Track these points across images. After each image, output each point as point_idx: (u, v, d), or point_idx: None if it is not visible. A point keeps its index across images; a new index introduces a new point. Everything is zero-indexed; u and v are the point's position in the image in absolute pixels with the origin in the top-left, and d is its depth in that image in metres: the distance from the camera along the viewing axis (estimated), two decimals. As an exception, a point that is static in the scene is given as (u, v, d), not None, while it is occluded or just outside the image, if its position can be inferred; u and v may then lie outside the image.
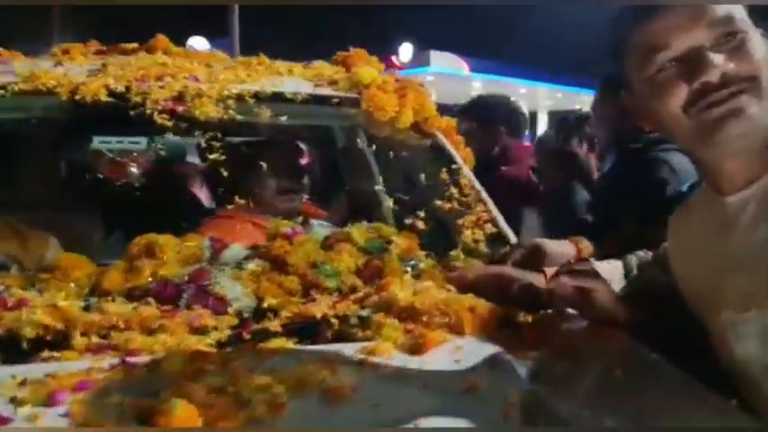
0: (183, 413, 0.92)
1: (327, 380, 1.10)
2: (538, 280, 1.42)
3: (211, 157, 1.84)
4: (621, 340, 1.38)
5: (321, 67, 2.42)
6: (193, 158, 2.42)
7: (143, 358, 1.17)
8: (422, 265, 1.69)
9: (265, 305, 1.46)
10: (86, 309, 1.36)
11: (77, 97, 1.92)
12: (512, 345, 1.32)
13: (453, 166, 2.04)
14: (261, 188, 2.18)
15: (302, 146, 2.21)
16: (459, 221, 1.85)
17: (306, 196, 2.32)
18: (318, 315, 1.42)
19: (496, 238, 1.83)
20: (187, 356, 1.15)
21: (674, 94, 1.12)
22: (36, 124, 1.93)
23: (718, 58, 1.08)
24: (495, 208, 1.95)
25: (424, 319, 1.38)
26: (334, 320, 1.40)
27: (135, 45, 2.39)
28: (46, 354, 1.24)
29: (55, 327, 1.29)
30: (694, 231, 1.29)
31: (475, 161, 2.31)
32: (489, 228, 1.85)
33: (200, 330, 1.35)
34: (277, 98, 2.12)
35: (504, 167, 3.40)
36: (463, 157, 2.22)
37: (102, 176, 1.83)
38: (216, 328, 1.36)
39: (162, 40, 2.44)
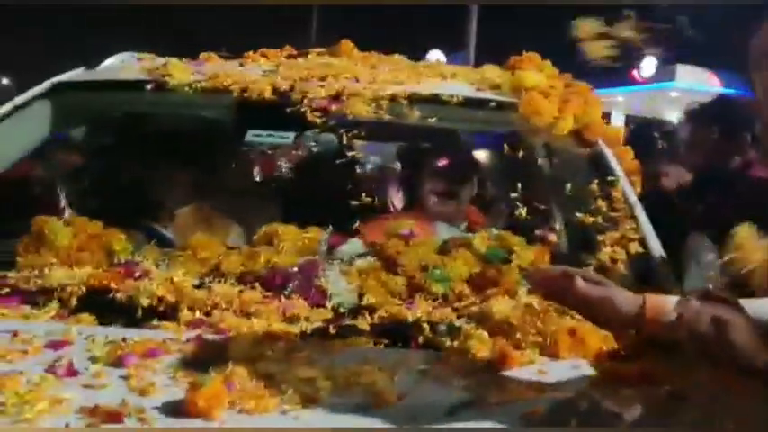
0: (209, 390, 0.94)
1: (378, 383, 1.07)
2: (624, 296, 1.24)
3: (350, 154, 1.87)
4: (754, 394, 1.15)
5: (489, 70, 2.36)
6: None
7: (217, 336, 1.23)
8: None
9: (364, 303, 1.45)
10: (200, 287, 1.46)
11: (246, 95, 2.08)
12: (608, 378, 1.17)
13: (609, 178, 1.86)
14: (419, 192, 2.18)
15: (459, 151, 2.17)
16: (601, 238, 1.68)
17: (467, 202, 2.27)
18: (410, 319, 1.38)
19: (642, 260, 1.63)
20: (252, 340, 1.18)
21: None
22: (215, 119, 2.12)
23: None
24: (650, 226, 1.74)
25: (518, 335, 1.28)
26: (425, 326, 1.35)
27: (321, 50, 2.53)
28: (155, 322, 1.35)
29: (167, 299, 1.40)
30: None
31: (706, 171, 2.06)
32: (635, 247, 1.65)
33: (292, 319, 1.38)
34: (433, 100, 2.10)
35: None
36: (629, 170, 2.02)
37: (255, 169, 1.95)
38: (307, 319, 1.38)
39: (346, 44, 2.55)
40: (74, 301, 1.41)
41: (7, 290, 1.43)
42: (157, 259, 1.58)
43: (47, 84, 2.23)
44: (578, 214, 1.75)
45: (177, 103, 2.20)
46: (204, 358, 1.11)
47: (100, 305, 1.39)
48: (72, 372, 1.05)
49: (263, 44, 2.48)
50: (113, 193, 2.43)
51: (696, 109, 2.81)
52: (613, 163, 1.94)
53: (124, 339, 1.17)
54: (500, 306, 1.34)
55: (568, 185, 1.85)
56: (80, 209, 2.35)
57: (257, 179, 1.93)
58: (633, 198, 1.84)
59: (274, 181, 1.96)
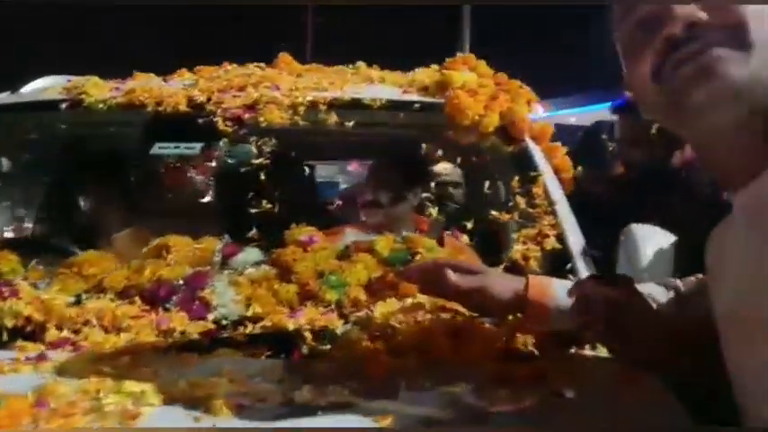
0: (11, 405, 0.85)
1: (215, 395, 0.97)
2: (501, 282, 1.15)
3: (256, 162, 1.79)
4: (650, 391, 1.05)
5: (420, 73, 2.29)
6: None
7: (61, 354, 1.13)
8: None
9: (249, 313, 1.36)
10: (76, 304, 1.37)
11: (161, 108, 2.01)
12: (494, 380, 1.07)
13: (531, 174, 1.77)
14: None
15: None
16: (515, 235, 1.58)
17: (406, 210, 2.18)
18: (291, 327, 1.28)
19: (559, 256, 1.53)
20: (87, 357, 1.08)
21: (641, 61, 0.83)
22: (129, 136, 2.05)
23: (684, 9, 0.78)
24: (573, 222, 1.64)
25: (399, 339, 1.18)
26: (308, 335, 1.25)
27: (258, 64, 2.46)
28: (19, 343, 1.26)
29: (35, 318, 1.31)
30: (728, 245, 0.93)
31: None
32: (551, 243, 1.55)
33: (167, 333, 1.29)
34: (354, 105, 2.03)
35: None
36: (559, 166, 1.92)
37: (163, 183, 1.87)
38: (183, 333, 1.29)
39: (285, 57, 2.48)
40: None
41: None
42: (40, 278, 1.50)
43: (-33, 108, 2.17)
44: (493, 212, 1.66)
45: (94, 123, 2.13)
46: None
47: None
48: None
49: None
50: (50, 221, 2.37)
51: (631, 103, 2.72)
52: (538, 159, 1.85)
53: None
54: (382, 309, 1.24)
55: (486, 183, 1.76)
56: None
57: (167, 193, 1.84)
58: (557, 194, 1.74)
59: (188, 194, 1.88)
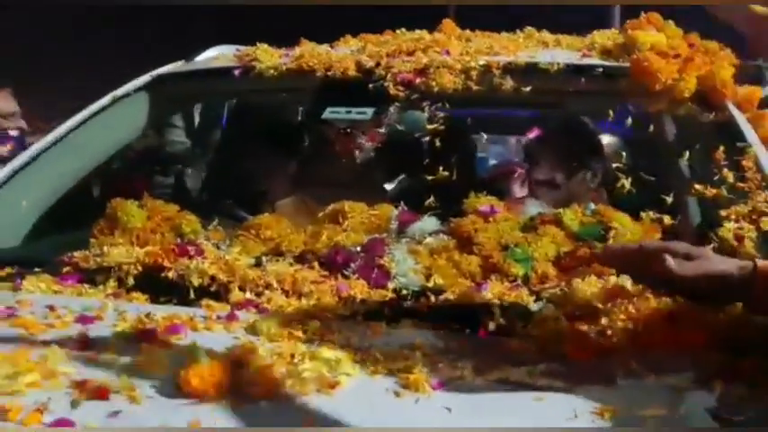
0: (203, 369, 0.83)
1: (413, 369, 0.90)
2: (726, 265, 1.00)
3: (430, 126, 1.71)
4: None
5: (601, 35, 2.11)
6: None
7: (251, 315, 1.11)
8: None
9: (430, 285, 1.29)
10: (257, 266, 1.36)
11: (330, 74, 1.98)
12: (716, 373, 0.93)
13: (738, 144, 1.57)
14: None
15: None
16: (725, 212, 1.39)
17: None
18: (477, 301, 1.20)
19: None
20: (280, 320, 1.05)
21: None
22: (299, 102, 2.04)
23: None
24: (792, 199, 1.43)
25: (603, 321, 1.06)
26: (496, 310, 1.16)
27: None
28: (205, 302, 1.27)
29: (219, 278, 1.32)
30: None
31: None
32: (769, 223, 1.35)
33: (347, 300, 1.24)
34: (531, 70, 1.90)
35: None
36: (766, 137, 1.69)
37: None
38: (363, 301, 1.24)
39: (449, 24, 2.38)
40: (130, 280, 1.36)
41: (68, 269, 1.40)
42: (221, 239, 1.51)
43: (146, 76, 2.26)
44: (697, 186, 1.48)
45: (266, 89, 2.14)
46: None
47: (153, 284, 1.33)
48: (84, 345, 0.97)
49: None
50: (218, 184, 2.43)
51: None
52: (745, 128, 1.63)
53: (148, 315, 1.09)
54: (583, 287, 1.12)
55: (686, 155, 1.57)
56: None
57: (337, 159, 1.81)
58: (770, 169, 1.52)
59: (357, 161, 1.83)
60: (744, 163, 1.51)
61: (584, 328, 1.03)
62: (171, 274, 1.33)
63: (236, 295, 1.27)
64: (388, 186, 1.75)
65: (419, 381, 0.86)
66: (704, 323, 1.02)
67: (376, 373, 0.90)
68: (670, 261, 1.01)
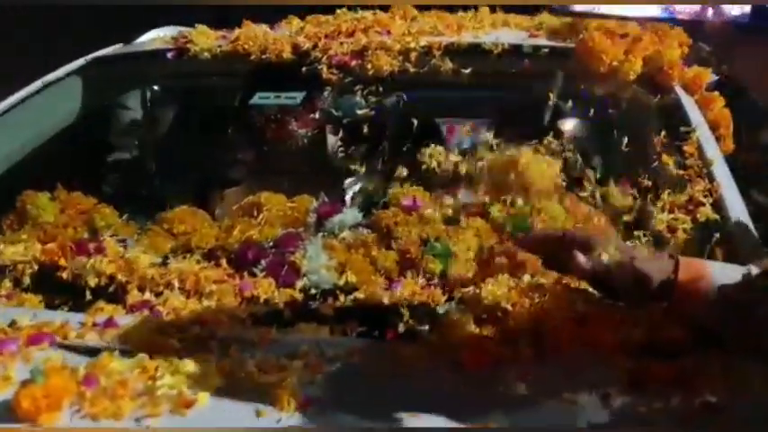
0: (37, 389, 0.74)
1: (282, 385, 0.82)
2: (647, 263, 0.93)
3: (360, 112, 1.62)
4: None
5: (551, 15, 2.01)
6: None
7: (129, 321, 1.02)
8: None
9: (341, 282, 1.20)
10: (162, 264, 1.28)
11: (265, 57, 1.88)
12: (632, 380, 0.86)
13: (682, 129, 1.48)
14: None
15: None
16: (660, 203, 1.31)
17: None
18: (386, 302, 1.11)
19: (716, 229, 1.25)
20: (157, 326, 0.96)
21: None
22: (231, 86, 1.94)
23: None
24: (733, 188, 1.35)
25: (511, 324, 0.98)
26: (405, 311, 1.08)
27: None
28: (100, 305, 1.18)
29: (118, 278, 1.23)
30: None
31: None
32: (706, 213, 1.27)
33: (252, 301, 1.16)
34: (473, 50, 1.81)
35: None
36: (715, 121, 1.61)
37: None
38: (267, 302, 1.15)
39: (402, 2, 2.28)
40: (26, 280, 1.27)
41: (-40, 268, 1.31)
42: (131, 235, 1.42)
43: (80, 60, 2.16)
44: (634, 175, 1.40)
45: (199, 72, 2.04)
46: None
47: (49, 285, 1.24)
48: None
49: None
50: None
51: None
52: (690, 111, 1.55)
53: (12, 324, 1.00)
54: (493, 287, 1.04)
55: (624, 140, 1.49)
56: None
57: (268, 147, 1.71)
58: (713, 153, 1.45)
59: (289, 148, 1.74)
60: (685, 148, 1.43)
61: (486, 332, 0.95)
62: (66, 275, 1.24)
63: (132, 296, 1.19)
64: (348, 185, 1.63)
65: (284, 398, 0.78)
66: (615, 325, 0.94)
67: (240, 389, 0.81)
68: (580, 257, 0.94)
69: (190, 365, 0.83)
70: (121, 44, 2.26)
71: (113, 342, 0.94)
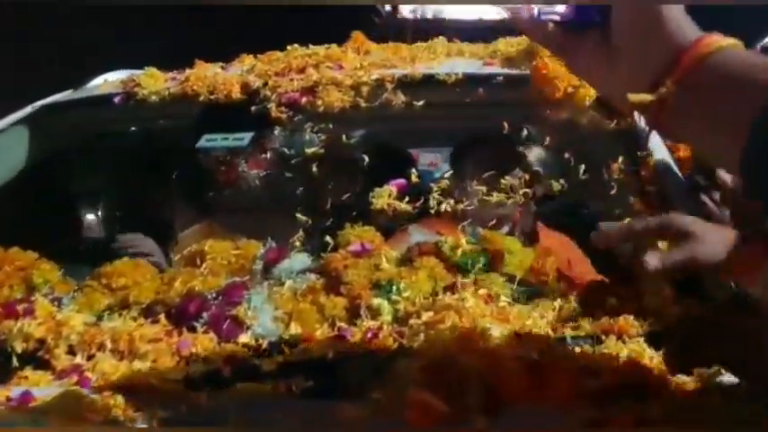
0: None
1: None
2: None
3: (309, 151, 1.56)
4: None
5: (505, 42, 1.98)
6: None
7: (50, 392, 0.94)
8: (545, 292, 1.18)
9: (286, 335, 1.13)
10: (97, 323, 1.20)
11: (212, 96, 1.83)
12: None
13: (640, 153, 1.44)
14: None
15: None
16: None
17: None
18: (330, 354, 1.04)
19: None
20: (83, 397, 0.88)
21: None
22: (179, 129, 1.89)
23: None
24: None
25: (460, 375, 0.91)
26: (349, 363, 1.01)
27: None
28: (25, 372, 1.09)
29: (48, 342, 1.14)
30: None
31: None
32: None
33: (189, 360, 1.08)
34: (426, 82, 1.77)
35: None
36: (673, 146, 1.57)
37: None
38: (206, 360, 1.07)
39: (358, 36, 2.24)
40: (-51, 348, 1.18)
41: None
42: (67, 292, 1.34)
43: (27, 108, 2.09)
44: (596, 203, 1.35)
45: (148, 117, 1.98)
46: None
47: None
48: None
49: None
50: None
51: None
52: (649, 135, 1.51)
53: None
54: (442, 333, 0.97)
55: (581, 168, 1.44)
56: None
57: (219, 190, 1.65)
58: (675, 179, 1.40)
59: (241, 191, 1.68)
60: (643, 174, 1.39)
61: (435, 384, 0.88)
62: (-9, 341, 1.15)
63: (62, 361, 1.10)
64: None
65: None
66: (571, 373, 0.87)
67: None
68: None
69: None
70: (71, 90, 2.20)
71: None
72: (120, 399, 0.88)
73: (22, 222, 1.98)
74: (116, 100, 1.95)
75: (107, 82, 2.15)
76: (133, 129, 2.06)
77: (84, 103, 2.04)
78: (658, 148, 1.48)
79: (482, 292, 1.10)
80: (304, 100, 1.72)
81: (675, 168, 1.45)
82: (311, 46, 2.01)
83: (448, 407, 0.84)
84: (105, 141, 2.11)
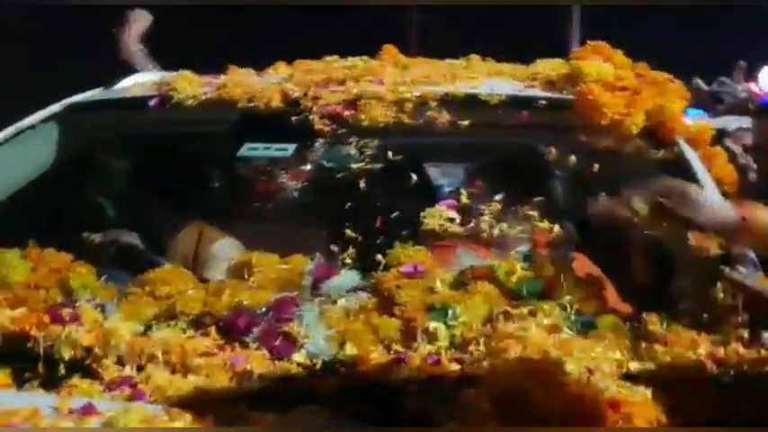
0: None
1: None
2: None
3: (355, 166, 1.54)
4: None
5: (544, 64, 1.97)
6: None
7: (112, 405, 0.92)
8: (598, 324, 1.16)
9: (341, 355, 1.11)
10: (145, 332, 1.17)
11: (253, 104, 1.81)
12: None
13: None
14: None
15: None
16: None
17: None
18: (393, 378, 1.02)
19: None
20: (147, 414, 0.86)
21: None
22: (217, 135, 1.86)
23: None
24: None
25: (532, 405, 0.89)
26: (412, 389, 0.99)
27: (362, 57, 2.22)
28: (74, 381, 1.07)
29: (95, 351, 1.12)
30: None
31: None
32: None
33: (242, 376, 1.06)
34: (470, 101, 1.75)
35: None
36: (720, 176, 1.57)
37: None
38: (261, 377, 1.05)
39: (390, 50, 2.22)
40: (-8, 352, 1.16)
41: None
42: (109, 298, 1.31)
43: (56, 106, 2.06)
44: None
45: (183, 121, 1.96)
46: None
47: (18, 358, 1.13)
48: None
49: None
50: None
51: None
52: (695, 166, 1.51)
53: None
54: (509, 364, 0.96)
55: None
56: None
57: (256, 201, 1.63)
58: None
59: (279, 203, 1.65)
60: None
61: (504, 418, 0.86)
62: (37, 346, 1.12)
63: (110, 372, 1.08)
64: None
65: None
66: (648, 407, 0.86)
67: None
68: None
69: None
70: (101, 89, 2.17)
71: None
72: (188, 417, 0.86)
73: (51, 221, 1.95)
74: (151, 103, 1.92)
75: (137, 84, 2.12)
76: (166, 132, 2.02)
77: (116, 103, 2.01)
78: (705, 178, 1.47)
79: (547, 321, 1.08)
80: (347, 113, 1.70)
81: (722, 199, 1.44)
82: (349, 58, 1.99)
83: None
84: (137, 143, 2.08)
